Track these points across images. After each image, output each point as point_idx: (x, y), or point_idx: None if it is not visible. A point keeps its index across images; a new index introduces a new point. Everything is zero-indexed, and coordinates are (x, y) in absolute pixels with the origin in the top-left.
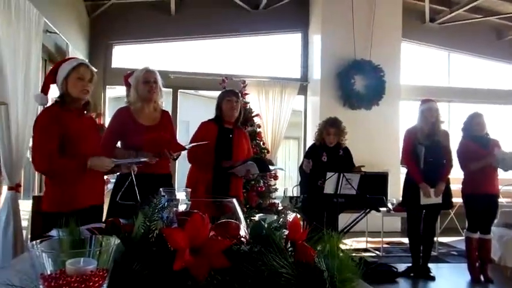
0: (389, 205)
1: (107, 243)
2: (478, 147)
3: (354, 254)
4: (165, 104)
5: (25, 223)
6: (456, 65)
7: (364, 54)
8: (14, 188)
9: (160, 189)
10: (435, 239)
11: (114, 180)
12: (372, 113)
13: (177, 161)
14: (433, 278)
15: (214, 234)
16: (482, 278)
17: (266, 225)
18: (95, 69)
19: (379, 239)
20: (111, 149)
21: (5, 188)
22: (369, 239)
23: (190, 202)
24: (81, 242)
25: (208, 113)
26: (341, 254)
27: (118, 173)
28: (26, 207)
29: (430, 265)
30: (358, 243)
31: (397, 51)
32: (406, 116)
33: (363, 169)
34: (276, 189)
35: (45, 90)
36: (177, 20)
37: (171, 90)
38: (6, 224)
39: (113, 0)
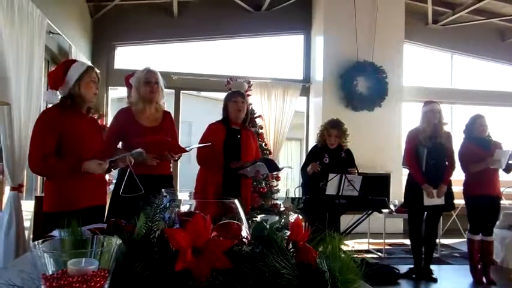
0: (392, 206)
1: (108, 244)
2: (479, 149)
3: (355, 255)
4: (168, 104)
5: (27, 223)
6: (459, 67)
7: (367, 56)
8: (17, 188)
9: (162, 190)
10: (437, 240)
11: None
12: (374, 115)
13: (179, 162)
14: (435, 280)
15: (216, 234)
16: (484, 280)
17: (268, 226)
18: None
19: (381, 241)
20: (112, 149)
21: (7, 188)
22: (371, 241)
23: (192, 203)
24: (83, 242)
25: (210, 113)
26: (343, 255)
27: (118, 171)
28: (28, 207)
29: (432, 267)
30: (360, 244)
31: (399, 52)
32: (409, 117)
33: (360, 171)
34: (278, 190)
35: (55, 87)
36: (180, 22)
37: (173, 91)
38: (8, 224)
39: (115, 1)
